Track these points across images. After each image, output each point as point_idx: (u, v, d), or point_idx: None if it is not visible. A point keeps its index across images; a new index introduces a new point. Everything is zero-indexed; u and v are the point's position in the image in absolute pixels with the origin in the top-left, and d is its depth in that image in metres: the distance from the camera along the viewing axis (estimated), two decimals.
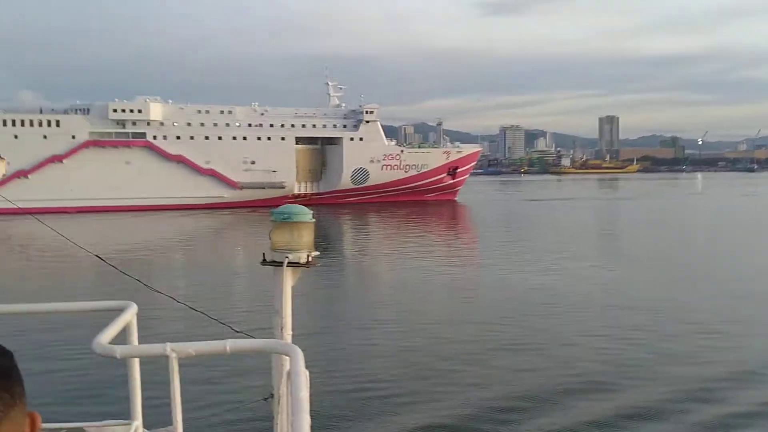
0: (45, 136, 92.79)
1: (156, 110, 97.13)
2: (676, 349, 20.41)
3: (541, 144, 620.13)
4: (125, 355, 3.78)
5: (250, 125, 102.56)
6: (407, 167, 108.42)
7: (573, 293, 29.47)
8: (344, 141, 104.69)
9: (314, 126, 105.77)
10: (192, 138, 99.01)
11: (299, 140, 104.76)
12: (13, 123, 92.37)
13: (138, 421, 4.31)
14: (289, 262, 5.88)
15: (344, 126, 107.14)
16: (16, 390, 1.53)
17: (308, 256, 6.02)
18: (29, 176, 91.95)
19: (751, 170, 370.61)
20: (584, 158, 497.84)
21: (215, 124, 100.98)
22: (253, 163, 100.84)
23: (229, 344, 3.55)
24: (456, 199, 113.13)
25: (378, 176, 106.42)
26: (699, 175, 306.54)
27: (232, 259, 49.42)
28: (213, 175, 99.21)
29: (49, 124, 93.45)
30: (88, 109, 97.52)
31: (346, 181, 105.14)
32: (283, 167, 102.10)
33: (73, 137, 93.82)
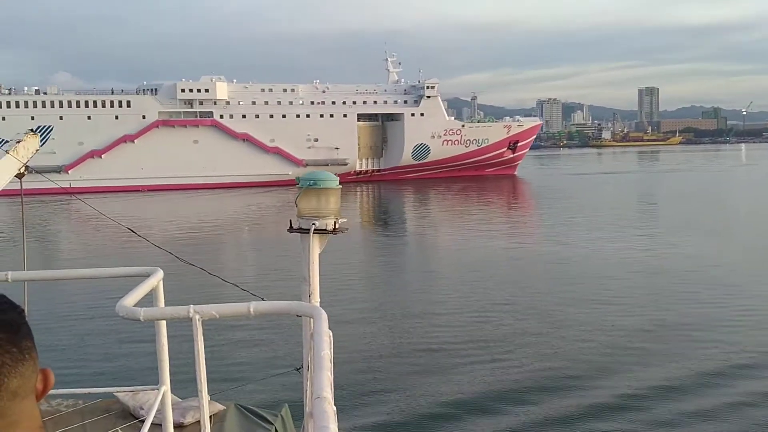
0: (117, 117, 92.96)
1: (222, 89, 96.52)
2: None
3: (578, 117, 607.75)
4: (149, 317, 3.62)
5: (312, 103, 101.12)
6: (468, 142, 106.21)
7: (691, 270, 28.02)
8: (405, 117, 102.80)
9: (375, 102, 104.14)
10: (257, 116, 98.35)
11: (360, 117, 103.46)
12: (86, 104, 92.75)
13: (166, 386, 4.16)
14: (315, 229, 5.73)
15: (405, 102, 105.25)
16: (25, 344, 1.48)
17: (335, 222, 5.84)
18: (102, 156, 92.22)
19: None
20: (625, 131, 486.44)
21: (279, 102, 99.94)
22: (316, 140, 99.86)
23: (253, 306, 3.43)
24: (516, 173, 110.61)
25: (439, 151, 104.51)
26: (743, 146, 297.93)
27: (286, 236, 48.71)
28: (278, 152, 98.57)
29: (120, 104, 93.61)
30: (156, 90, 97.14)
31: (407, 157, 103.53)
32: (346, 144, 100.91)
33: (144, 117, 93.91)
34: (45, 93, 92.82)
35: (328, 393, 2.05)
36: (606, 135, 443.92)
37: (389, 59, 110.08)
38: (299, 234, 5.90)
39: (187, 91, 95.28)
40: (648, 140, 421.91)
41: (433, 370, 16.52)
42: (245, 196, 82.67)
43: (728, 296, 23.40)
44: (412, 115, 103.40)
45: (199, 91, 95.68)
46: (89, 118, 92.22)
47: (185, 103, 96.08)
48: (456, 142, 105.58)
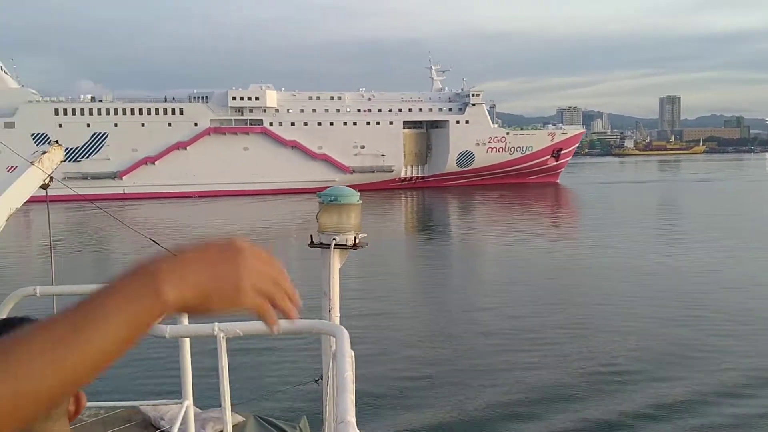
0: (170, 124, 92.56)
1: (272, 97, 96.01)
2: None
3: (597, 126, 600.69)
4: (174, 335, 3.64)
5: (359, 110, 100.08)
6: (512, 149, 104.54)
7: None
8: (450, 124, 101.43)
9: (420, 110, 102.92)
10: (305, 124, 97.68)
11: (406, 124, 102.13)
12: (140, 111, 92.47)
13: (189, 401, 4.18)
14: (336, 244, 5.70)
15: (450, 109, 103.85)
16: None
17: (355, 237, 5.80)
18: (156, 163, 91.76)
19: None
20: (648, 139, 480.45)
21: (326, 110, 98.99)
22: (362, 147, 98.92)
23: (275, 325, 2.67)
24: (558, 181, 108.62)
25: (483, 159, 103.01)
26: (767, 155, 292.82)
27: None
28: (326, 159, 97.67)
29: (173, 112, 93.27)
30: (207, 97, 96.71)
31: (451, 164, 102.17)
32: (392, 151, 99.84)
33: (196, 125, 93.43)
34: (100, 101, 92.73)
35: (351, 417, 2.00)
36: (629, 143, 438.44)
37: (433, 67, 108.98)
38: (320, 249, 5.85)
39: (238, 99, 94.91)
40: (671, 149, 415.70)
41: (458, 383, 16.16)
42: (292, 203, 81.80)
43: None
44: (457, 122, 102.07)
45: (249, 99, 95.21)
46: (143, 125, 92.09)
47: (236, 111, 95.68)
48: (500, 150, 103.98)
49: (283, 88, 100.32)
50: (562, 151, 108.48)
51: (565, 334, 20.19)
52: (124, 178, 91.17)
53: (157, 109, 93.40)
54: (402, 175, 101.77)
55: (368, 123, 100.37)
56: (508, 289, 27.48)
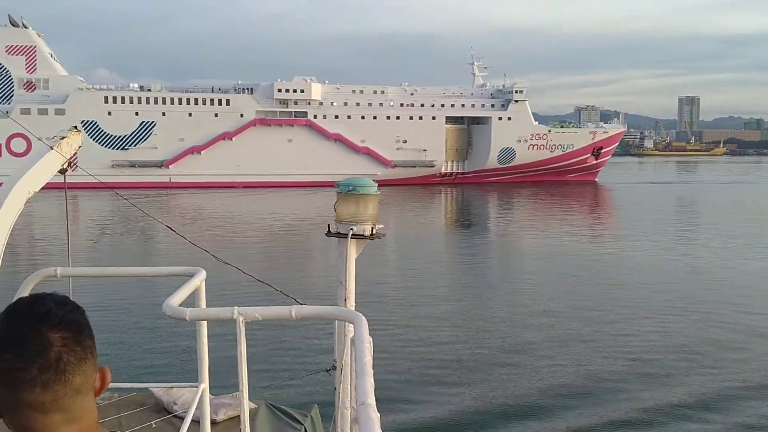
0: (216, 115, 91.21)
1: (316, 90, 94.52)
2: None
3: (614, 125, 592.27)
4: (194, 317, 3.61)
5: (402, 105, 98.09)
6: (553, 147, 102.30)
7: None
8: (493, 120, 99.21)
9: (463, 106, 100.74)
10: (349, 117, 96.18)
11: (447, 119, 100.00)
12: (188, 101, 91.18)
13: (205, 384, 4.15)
14: (353, 234, 5.61)
15: (492, 105, 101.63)
16: (87, 344, 1.54)
17: (372, 228, 5.71)
18: (202, 153, 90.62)
19: None
20: (667, 140, 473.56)
21: (369, 104, 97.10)
22: (405, 142, 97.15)
23: (294, 310, 3.39)
24: (597, 179, 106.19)
25: (524, 156, 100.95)
26: None
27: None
28: (368, 153, 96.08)
29: (219, 102, 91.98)
30: (252, 89, 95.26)
31: (492, 161, 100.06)
32: (434, 146, 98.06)
33: (241, 116, 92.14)
34: (149, 90, 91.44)
35: (371, 399, 2.03)
36: (648, 144, 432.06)
37: (475, 63, 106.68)
38: (337, 238, 5.78)
39: (283, 91, 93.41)
40: (691, 150, 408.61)
41: (474, 377, 16.02)
42: (333, 196, 79.96)
43: None
44: (500, 119, 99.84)
45: (294, 91, 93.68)
46: (190, 115, 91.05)
47: (281, 103, 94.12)
48: (542, 147, 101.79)
49: (326, 81, 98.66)
50: (603, 150, 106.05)
51: (589, 334, 19.62)
52: (170, 166, 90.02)
53: (204, 99, 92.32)
54: (443, 170, 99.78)
55: (411, 117, 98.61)
56: (542, 284, 27.18)
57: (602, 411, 13.95)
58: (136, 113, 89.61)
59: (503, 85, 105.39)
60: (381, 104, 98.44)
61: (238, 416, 5.53)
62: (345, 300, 5.67)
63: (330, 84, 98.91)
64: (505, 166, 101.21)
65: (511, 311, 22.63)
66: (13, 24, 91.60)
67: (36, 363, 1.45)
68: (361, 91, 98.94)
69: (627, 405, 14.23)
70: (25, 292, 4.30)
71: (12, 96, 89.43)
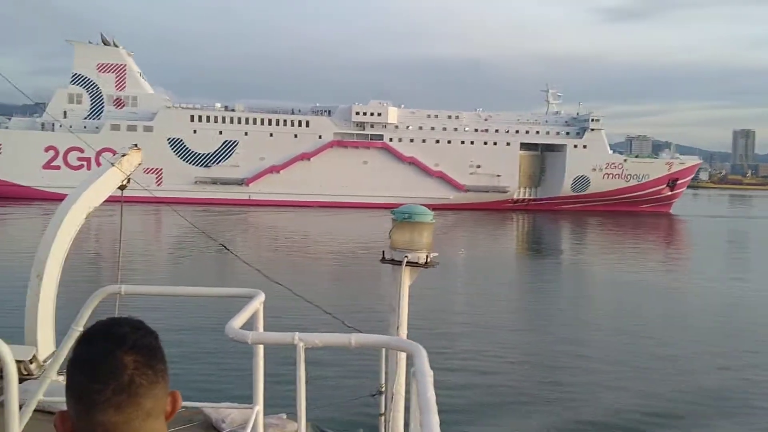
0: (296, 136, 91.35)
1: (393, 114, 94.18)
2: None
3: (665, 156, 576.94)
4: (256, 341, 3.66)
5: (476, 130, 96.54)
6: (628, 177, 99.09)
7: None
8: (568, 148, 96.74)
9: (537, 132, 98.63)
10: (424, 141, 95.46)
11: (521, 146, 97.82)
12: (269, 122, 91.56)
13: (259, 406, 4.15)
14: (408, 262, 5.53)
15: (567, 133, 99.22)
16: (159, 368, 1.56)
17: (427, 256, 5.64)
18: (281, 172, 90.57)
19: None
20: (722, 173, 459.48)
21: (444, 129, 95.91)
22: (478, 166, 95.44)
23: (354, 338, 3.38)
24: (671, 211, 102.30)
25: (598, 185, 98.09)
26: None
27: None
28: (441, 177, 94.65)
29: (299, 124, 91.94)
30: (330, 111, 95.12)
31: (566, 188, 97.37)
32: (507, 172, 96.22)
33: (320, 137, 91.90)
34: (233, 110, 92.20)
35: None
36: (703, 176, 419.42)
37: (550, 90, 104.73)
38: (391, 265, 5.67)
39: (361, 114, 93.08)
40: (747, 184, 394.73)
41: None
42: None
43: None
44: (575, 147, 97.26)
45: (372, 114, 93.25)
46: (271, 135, 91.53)
47: (357, 126, 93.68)
48: (617, 176, 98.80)
49: (402, 105, 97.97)
50: (678, 181, 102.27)
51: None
52: (250, 184, 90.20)
53: (284, 121, 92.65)
54: (515, 196, 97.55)
55: (485, 143, 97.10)
56: (611, 316, 26.58)
57: None
58: (220, 132, 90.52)
59: (577, 113, 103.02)
60: (455, 129, 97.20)
61: None
62: (397, 328, 5.53)
63: (405, 108, 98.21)
64: (579, 194, 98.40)
65: (579, 341, 22.13)
66: (105, 43, 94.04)
67: (110, 385, 1.48)
68: (436, 116, 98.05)
69: None
70: (89, 307, 4.39)
71: (102, 112, 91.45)
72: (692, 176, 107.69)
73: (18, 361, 4.26)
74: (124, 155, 7.38)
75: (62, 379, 1.73)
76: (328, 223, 71.42)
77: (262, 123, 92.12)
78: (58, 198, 7.82)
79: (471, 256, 47.07)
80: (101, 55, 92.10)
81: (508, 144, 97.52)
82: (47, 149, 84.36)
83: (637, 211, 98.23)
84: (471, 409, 15.59)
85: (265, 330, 4.13)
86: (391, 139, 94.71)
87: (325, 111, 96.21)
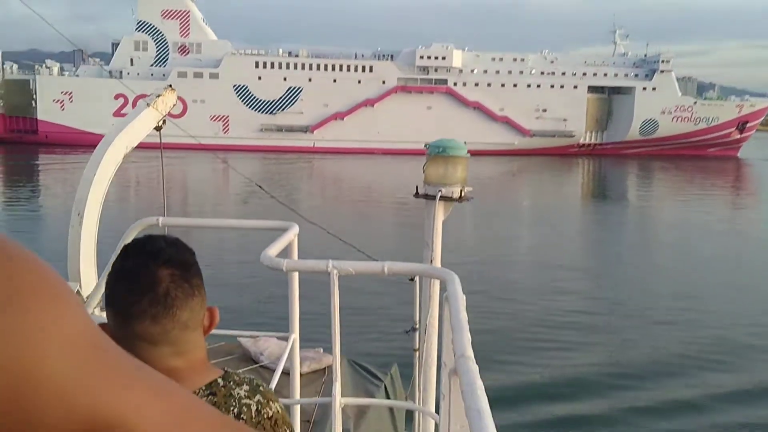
0: (359, 81, 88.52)
1: (458, 57, 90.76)
2: None
3: (710, 98, 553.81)
4: (290, 268, 3.67)
5: (542, 73, 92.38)
6: (698, 119, 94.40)
7: None
8: (636, 91, 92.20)
9: (605, 75, 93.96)
10: (489, 85, 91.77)
11: (589, 89, 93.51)
12: (333, 68, 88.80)
13: (295, 334, 4.14)
14: (441, 196, 5.40)
15: (635, 75, 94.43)
16: (195, 282, 1.58)
17: (461, 190, 5.45)
18: (345, 119, 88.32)
19: None
20: None
21: (509, 72, 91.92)
22: (544, 110, 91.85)
23: (387, 266, 3.35)
24: (738, 155, 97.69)
25: (667, 128, 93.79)
26: None
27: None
28: (507, 122, 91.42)
29: (363, 69, 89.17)
30: (392, 56, 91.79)
31: (633, 132, 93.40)
32: (574, 116, 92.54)
33: (383, 83, 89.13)
34: (296, 56, 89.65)
35: (470, 352, 2.01)
36: None
37: (617, 31, 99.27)
38: (424, 200, 5.54)
39: (425, 58, 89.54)
40: None
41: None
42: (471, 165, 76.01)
43: None
44: (644, 89, 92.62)
45: (436, 58, 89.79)
46: (335, 81, 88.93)
47: (421, 70, 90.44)
48: (686, 119, 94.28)
49: (466, 48, 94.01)
50: (748, 124, 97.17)
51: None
52: (314, 132, 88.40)
53: (348, 66, 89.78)
54: (581, 141, 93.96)
55: (552, 86, 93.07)
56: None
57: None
58: (284, 78, 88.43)
59: (645, 54, 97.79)
60: (521, 72, 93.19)
61: (321, 369, 6.11)
62: (431, 262, 5.47)
63: (470, 51, 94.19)
64: (645, 138, 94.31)
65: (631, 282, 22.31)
66: None
67: (146, 296, 1.51)
68: (501, 59, 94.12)
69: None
70: (128, 238, 4.25)
71: (167, 59, 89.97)
72: (762, 118, 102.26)
73: None
74: (159, 96, 7.12)
75: (102, 313, 1.71)
76: (391, 171, 69.72)
77: (326, 69, 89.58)
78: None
79: (536, 204, 46.81)
80: (164, 1, 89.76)
81: (575, 87, 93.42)
82: (117, 97, 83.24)
83: (704, 155, 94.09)
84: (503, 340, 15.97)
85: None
86: (455, 84, 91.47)
87: (387, 56, 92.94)
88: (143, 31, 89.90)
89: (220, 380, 1.66)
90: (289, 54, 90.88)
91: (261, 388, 1.73)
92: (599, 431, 12.19)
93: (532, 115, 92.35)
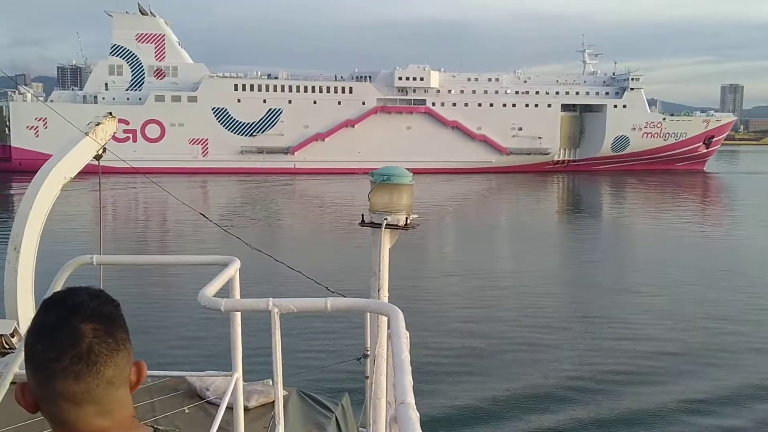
0: (339, 102, 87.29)
1: (435, 78, 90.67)
2: None
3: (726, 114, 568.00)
4: (229, 308, 3.52)
5: (517, 93, 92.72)
6: (667, 135, 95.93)
7: None
8: (608, 108, 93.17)
9: (577, 93, 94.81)
10: (466, 105, 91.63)
11: (562, 107, 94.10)
12: (313, 89, 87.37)
13: (238, 373, 4.05)
14: (387, 224, 5.32)
15: (606, 93, 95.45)
16: (120, 336, 1.50)
17: (407, 218, 5.42)
18: (325, 140, 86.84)
19: None
20: None
21: (485, 92, 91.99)
22: (520, 129, 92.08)
23: (330, 302, 3.26)
24: (705, 169, 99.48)
25: (637, 144, 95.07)
26: None
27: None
28: (484, 140, 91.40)
29: (343, 90, 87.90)
30: (370, 77, 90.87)
31: (606, 148, 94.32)
32: (548, 134, 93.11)
33: (363, 103, 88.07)
34: (276, 78, 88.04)
35: (411, 398, 1.96)
36: None
37: (586, 50, 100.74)
38: (371, 228, 5.44)
39: (403, 79, 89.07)
40: (740, 139, 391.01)
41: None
42: (447, 183, 75.90)
43: None
44: (615, 106, 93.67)
45: (414, 79, 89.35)
46: (315, 102, 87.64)
47: (400, 91, 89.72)
48: (655, 135, 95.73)
49: (442, 69, 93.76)
50: (714, 139, 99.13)
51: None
52: (295, 153, 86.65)
53: (328, 87, 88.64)
54: (556, 158, 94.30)
55: (527, 105, 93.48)
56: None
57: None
58: (264, 101, 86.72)
59: (614, 73, 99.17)
60: (496, 92, 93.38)
61: (270, 403, 5.85)
62: (378, 291, 5.30)
63: (445, 72, 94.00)
64: (617, 154, 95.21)
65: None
66: (143, 12, 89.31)
67: (68, 353, 1.42)
68: (476, 79, 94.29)
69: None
70: (62, 278, 4.28)
71: (143, 83, 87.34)
72: (726, 133, 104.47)
73: None
74: (98, 124, 6.87)
75: None
76: (364, 188, 68.43)
77: (305, 90, 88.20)
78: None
79: (516, 221, 46.74)
80: (140, 25, 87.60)
81: (549, 105, 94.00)
82: None
83: (672, 170, 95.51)
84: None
85: (242, 297, 4.01)
86: (434, 104, 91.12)
87: (365, 77, 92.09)
88: (118, 56, 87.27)
89: None
90: (269, 76, 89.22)
91: None
92: None
93: (509, 133, 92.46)
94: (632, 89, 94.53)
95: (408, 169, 5.58)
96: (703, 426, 12.65)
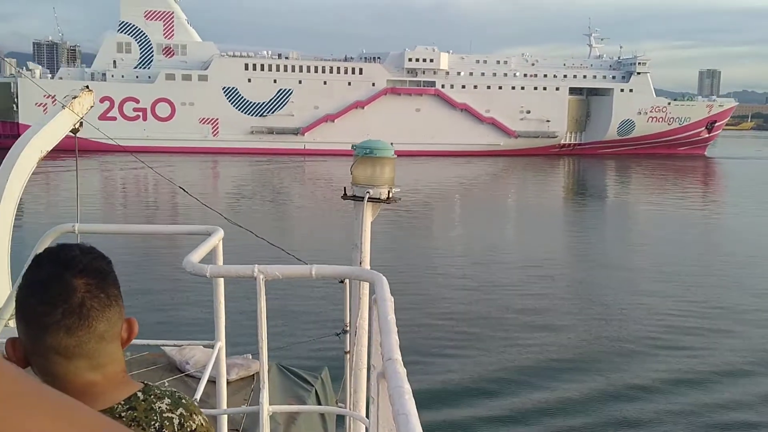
0: (349, 83, 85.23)
1: (444, 60, 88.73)
2: None
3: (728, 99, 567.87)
4: (214, 274, 3.43)
5: (525, 75, 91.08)
6: (671, 119, 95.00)
7: None
8: (615, 92, 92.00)
9: (585, 77, 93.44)
10: (475, 87, 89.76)
11: (569, 90, 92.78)
12: (323, 70, 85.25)
13: (221, 342, 3.94)
14: (369, 197, 5.25)
15: (613, 77, 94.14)
16: (112, 292, 1.49)
17: (389, 191, 5.35)
18: (335, 121, 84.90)
19: None
20: None
21: (494, 74, 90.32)
22: (528, 112, 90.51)
23: (314, 269, 3.21)
24: (705, 153, 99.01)
25: (643, 128, 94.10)
26: None
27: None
28: (493, 123, 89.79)
29: (353, 71, 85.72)
30: (379, 58, 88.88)
31: (612, 132, 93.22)
32: (556, 117, 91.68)
33: (373, 85, 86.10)
34: (287, 58, 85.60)
35: (398, 355, 1.97)
36: None
37: (593, 34, 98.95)
38: (353, 201, 5.39)
39: (414, 60, 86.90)
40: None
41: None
42: (455, 166, 74.67)
43: None
44: (621, 90, 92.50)
45: (424, 60, 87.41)
46: (325, 83, 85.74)
47: (410, 72, 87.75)
48: (660, 120, 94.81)
49: (450, 51, 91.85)
50: (716, 124, 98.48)
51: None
52: (305, 134, 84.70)
53: (338, 68, 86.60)
54: (563, 141, 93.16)
55: (535, 88, 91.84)
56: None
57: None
58: (274, 81, 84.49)
59: (619, 56, 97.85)
60: (505, 74, 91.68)
61: (250, 376, 6.07)
62: (360, 263, 5.24)
63: (455, 53, 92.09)
64: (622, 138, 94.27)
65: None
66: None
67: (60, 307, 1.40)
68: (485, 61, 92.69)
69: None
70: (42, 246, 3.84)
71: (151, 61, 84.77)
72: (728, 118, 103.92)
73: None
74: (75, 97, 6.67)
75: (14, 324, 1.64)
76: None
77: (316, 71, 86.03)
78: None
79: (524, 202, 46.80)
80: (148, 2, 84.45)
81: (557, 89, 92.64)
82: (102, 100, 77.53)
83: (674, 154, 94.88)
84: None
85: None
86: (443, 86, 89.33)
87: (375, 58, 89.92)
88: (126, 33, 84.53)
89: (140, 394, 1.53)
90: (279, 56, 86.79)
91: (183, 401, 1.60)
92: (529, 428, 11.98)
93: (517, 116, 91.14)
94: (638, 73, 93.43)
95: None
96: (700, 402, 12.76)
